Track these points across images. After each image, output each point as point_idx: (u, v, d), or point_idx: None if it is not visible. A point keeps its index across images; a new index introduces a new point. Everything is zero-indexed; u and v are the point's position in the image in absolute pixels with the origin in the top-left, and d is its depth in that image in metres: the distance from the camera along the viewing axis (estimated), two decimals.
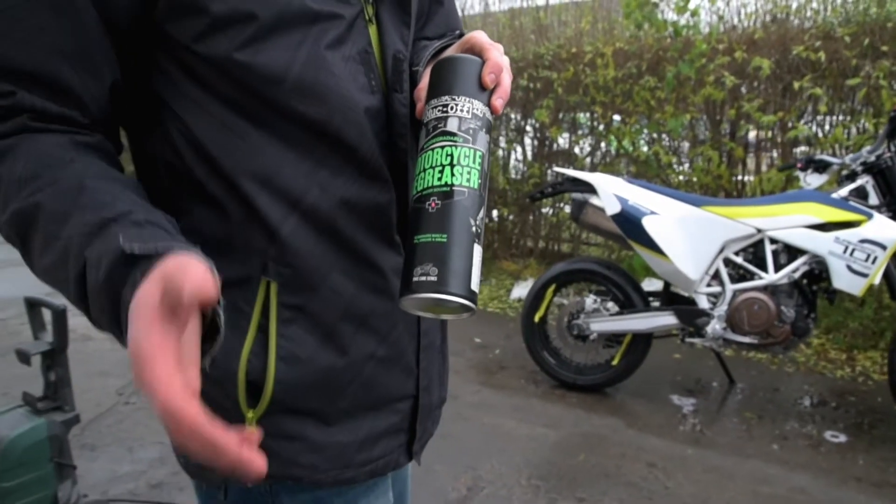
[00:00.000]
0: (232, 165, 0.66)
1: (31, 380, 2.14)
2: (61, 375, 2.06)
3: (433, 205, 0.61)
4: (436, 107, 0.65)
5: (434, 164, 0.62)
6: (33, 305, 2.06)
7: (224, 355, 0.67)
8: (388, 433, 0.78)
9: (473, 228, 0.61)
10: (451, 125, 0.63)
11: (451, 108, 0.64)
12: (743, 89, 4.21)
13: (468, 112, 0.64)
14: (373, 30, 0.70)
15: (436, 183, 0.61)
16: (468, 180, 0.62)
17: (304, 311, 0.69)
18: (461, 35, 0.93)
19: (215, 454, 0.45)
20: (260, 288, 0.68)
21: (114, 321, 0.52)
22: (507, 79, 0.68)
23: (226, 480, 0.74)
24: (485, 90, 0.66)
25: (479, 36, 0.71)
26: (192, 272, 0.46)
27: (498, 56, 0.67)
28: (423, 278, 0.59)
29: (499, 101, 0.66)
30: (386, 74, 0.71)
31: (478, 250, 0.61)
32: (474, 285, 0.60)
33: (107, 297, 0.52)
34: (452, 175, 0.61)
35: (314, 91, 0.65)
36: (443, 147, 0.63)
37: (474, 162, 0.63)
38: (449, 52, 0.73)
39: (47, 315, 2.05)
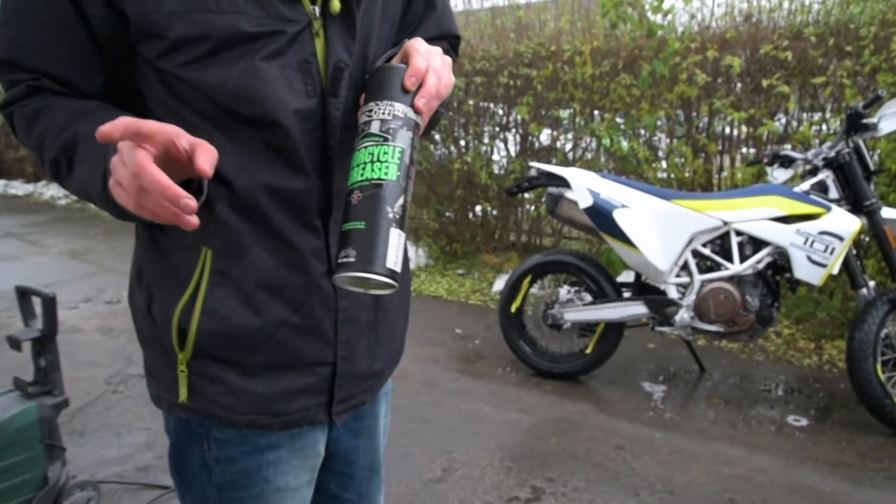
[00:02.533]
0: None
1: (21, 370, 2.22)
2: (51, 361, 2.14)
3: (356, 197, 0.72)
4: (364, 112, 0.77)
5: (360, 163, 0.74)
6: (24, 294, 2.15)
7: (165, 306, 0.85)
8: (305, 392, 0.90)
9: (390, 215, 0.72)
10: (374, 127, 0.75)
11: (375, 112, 0.75)
12: (717, 85, 4.32)
13: (389, 114, 0.75)
14: (319, 42, 0.81)
15: (359, 178, 0.73)
16: (386, 173, 0.73)
17: (229, 276, 0.83)
18: (456, 41, 1.05)
19: (168, 200, 0.63)
20: (200, 255, 0.83)
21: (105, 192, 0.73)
22: (431, 79, 0.78)
23: (169, 407, 0.91)
24: (407, 93, 0.77)
25: (412, 43, 0.81)
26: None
27: (420, 61, 0.78)
28: (345, 259, 0.71)
29: (421, 101, 0.77)
30: (326, 81, 0.82)
31: (395, 233, 0.72)
32: (391, 263, 0.71)
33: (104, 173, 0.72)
34: (372, 170, 0.72)
35: (249, 96, 0.77)
36: (366, 147, 0.74)
37: (393, 157, 0.73)
38: (389, 62, 0.84)
39: (38, 304, 2.13)
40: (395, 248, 0.71)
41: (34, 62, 0.78)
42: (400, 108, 0.76)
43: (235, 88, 0.76)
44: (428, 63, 0.78)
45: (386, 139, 0.74)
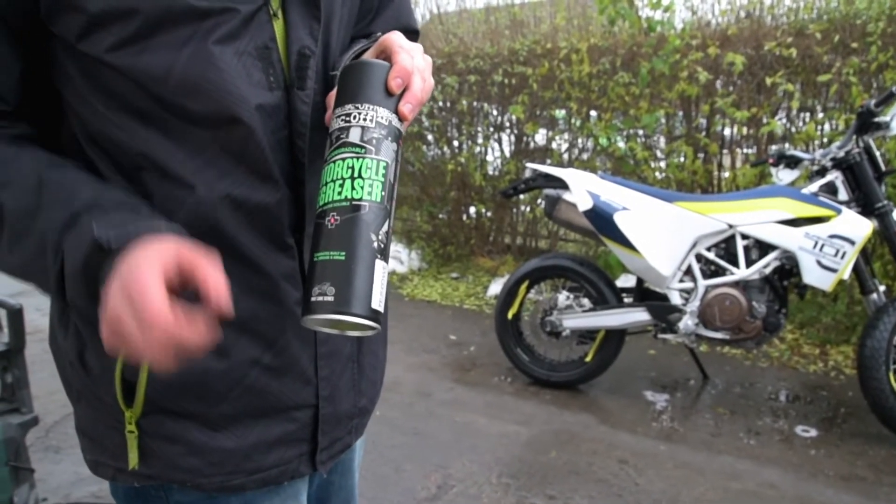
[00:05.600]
0: (129, 161, 0.66)
1: None
2: (18, 377, 2.01)
3: (332, 220, 0.59)
4: (339, 116, 0.63)
5: (335, 178, 0.60)
6: None
7: (102, 352, 0.65)
8: (283, 442, 0.76)
9: (375, 244, 0.59)
10: (354, 135, 0.61)
11: (354, 118, 0.62)
12: (718, 84, 4.22)
13: (371, 121, 0.62)
14: (278, 25, 0.67)
15: (336, 197, 0.60)
16: (370, 193, 0.60)
17: None
18: (414, 36, 0.90)
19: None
20: None
21: (90, 296, 0.59)
22: (416, 82, 0.65)
23: (114, 475, 0.75)
24: (391, 96, 0.64)
25: (392, 37, 0.69)
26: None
27: (406, 59, 0.65)
28: (321, 298, 0.58)
29: (407, 107, 0.64)
30: (290, 71, 0.68)
31: (380, 266, 0.59)
32: (376, 304, 0.59)
33: (83, 279, 0.59)
34: (353, 189, 0.60)
35: (200, 88, 0.63)
36: (344, 159, 0.61)
37: (377, 174, 0.61)
38: (363, 57, 0.70)
39: (2, 316, 2.00)
40: (380, 284, 0.59)
41: None
42: (384, 115, 0.63)
43: (182, 78, 0.62)
44: (413, 62, 0.66)
45: (368, 151, 0.61)
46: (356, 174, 0.60)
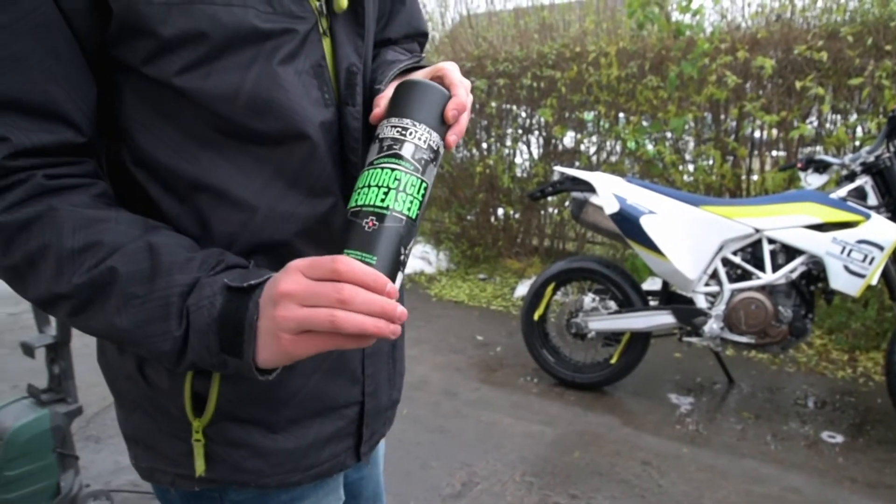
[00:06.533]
0: (183, 183, 0.67)
1: (40, 373, 2.19)
2: (64, 368, 2.11)
3: (371, 224, 0.61)
4: (395, 126, 0.66)
5: (380, 184, 0.63)
6: None
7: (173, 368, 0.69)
8: (334, 438, 0.80)
9: (401, 257, 0.62)
10: (406, 150, 0.64)
11: (410, 133, 0.65)
12: (748, 87, 4.20)
13: (424, 142, 0.65)
14: (327, 43, 0.71)
15: (377, 203, 0.62)
16: (408, 209, 0.63)
17: None
18: (424, 39, 0.95)
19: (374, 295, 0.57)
20: None
21: (224, 347, 0.61)
22: (465, 118, 0.70)
23: (174, 481, 0.77)
24: (444, 124, 0.68)
25: (451, 70, 0.73)
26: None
27: (464, 95, 0.70)
28: None
29: (453, 138, 0.68)
30: (339, 88, 0.72)
31: (399, 278, 0.63)
32: None
33: (219, 328, 0.60)
34: (396, 201, 0.62)
35: (268, 108, 0.65)
36: (393, 169, 0.63)
37: (418, 192, 0.64)
38: (418, 76, 0.74)
39: None
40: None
41: (5, 89, 0.58)
42: (435, 140, 0.66)
43: (250, 98, 0.64)
44: (468, 99, 0.70)
45: (416, 169, 0.64)
46: (402, 187, 0.63)
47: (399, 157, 0.64)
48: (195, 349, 0.61)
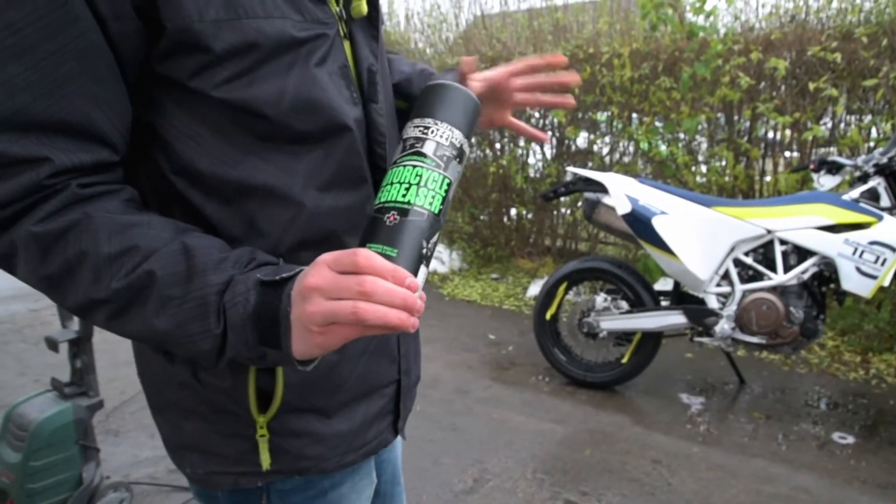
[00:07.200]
0: (226, 188, 0.70)
1: (62, 367, 2.25)
2: (86, 363, 2.17)
3: (392, 218, 0.63)
4: (418, 126, 0.69)
5: (402, 180, 0.65)
6: None
7: (230, 369, 0.72)
8: (378, 416, 0.86)
9: (424, 250, 0.64)
10: (428, 148, 0.67)
11: (432, 132, 0.68)
12: (761, 88, 4.20)
13: (446, 139, 0.68)
14: (347, 45, 0.76)
15: (399, 198, 0.64)
16: (430, 204, 0.65)
17: None
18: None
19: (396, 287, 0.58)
20: None
21: (261, 339, 0.62)
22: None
23: (236, 480, 0.79)
24: (469, 123, 0.71)
25: (469, 63, 0.80)
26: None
27: (518, 63, 0.78)
28: None
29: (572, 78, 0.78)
30: (362, 87, 0.77)
31: (423, 272, 0.64)
32: None
33: (254, 322, 0.61)
34: (417, 195, 0.64)
35: (310, 107, 0.69)
36: (414, 166, 0.65)
37: (440, 188, 0.66)
38: (447, 81, 0.78)
39: None
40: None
41: (44, 111, 0.59)
42: (458, 137, 0.69)
43: (294, 100, 0.68)
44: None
45: (438, 165, 0.66)
46: (424, 183, 0.65)
47: (421, 154, 0.66)
48: (233, 345, 0.63)
